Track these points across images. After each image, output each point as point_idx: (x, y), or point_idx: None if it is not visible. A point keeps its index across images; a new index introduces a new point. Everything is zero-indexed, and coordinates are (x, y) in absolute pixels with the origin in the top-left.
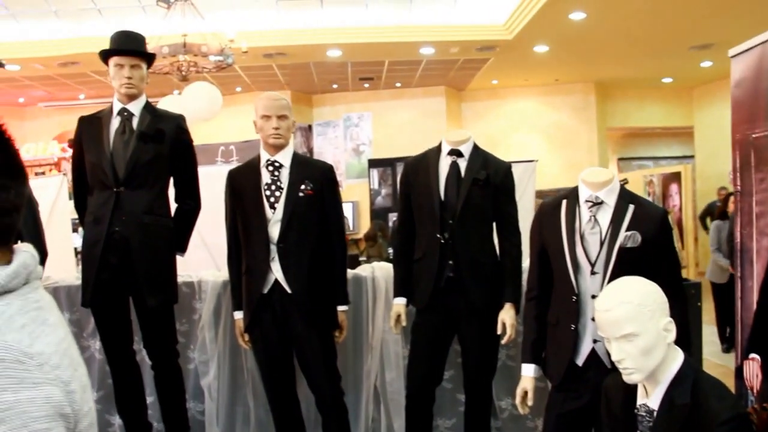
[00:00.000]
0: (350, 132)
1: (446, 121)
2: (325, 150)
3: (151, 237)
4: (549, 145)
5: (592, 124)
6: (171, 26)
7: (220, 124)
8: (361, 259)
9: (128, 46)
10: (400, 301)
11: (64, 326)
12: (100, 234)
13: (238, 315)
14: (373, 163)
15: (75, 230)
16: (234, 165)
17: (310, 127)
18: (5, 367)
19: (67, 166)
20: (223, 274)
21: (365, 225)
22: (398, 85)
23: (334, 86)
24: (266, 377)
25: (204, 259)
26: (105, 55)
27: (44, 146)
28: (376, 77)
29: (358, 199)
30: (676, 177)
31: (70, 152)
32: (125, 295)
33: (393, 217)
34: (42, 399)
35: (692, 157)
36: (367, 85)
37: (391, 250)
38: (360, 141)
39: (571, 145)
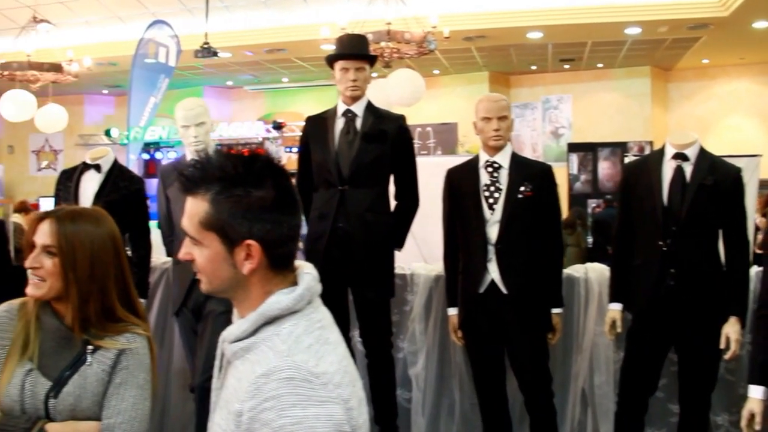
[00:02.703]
0: (549, 114)
1: (651, 103)
2: (522, 133)
3: (372, 233)
4: None
5: None
6: (374, 12)
7: (417, 106)
8: None
9: (353, 50)
10: (616, 307)
11: (342, 344)
12: (324, 229)
13: (453, 311)
14: (573, 147)
15: None
16: (439, 157)
17: None
18: (295, 385)
19: (270, 146)
20: (435, 268)
21: (562, 211)
22: (600, 65)
23: (533, 67)
24: (477, 374)
25: (411, 251)
26: (330, 60)
27: (250, 126)
28: (577, 58)
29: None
30: None
31: (273, 133)
32: (345, 287)
33: (592, 203)
34: (326, 416)
35: None
36: (567, 66)
37: (590, 239)
38: (559, 124)
39: None
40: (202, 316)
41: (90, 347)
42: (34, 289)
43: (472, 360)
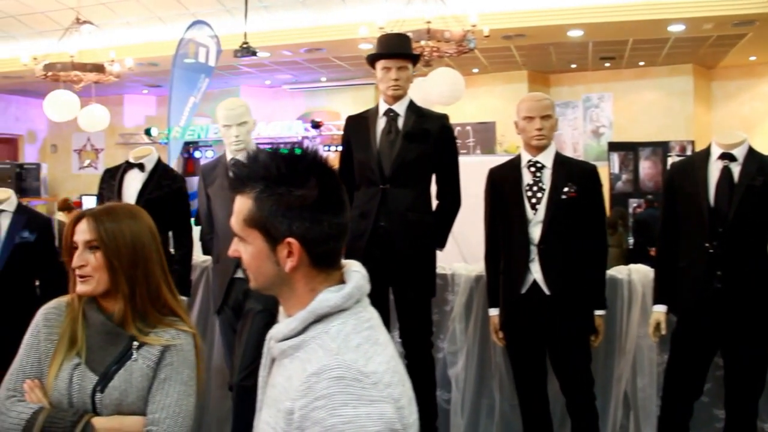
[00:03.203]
0: (590, 113)
1: (693, 101)
2: (563, 132)
3: (413, 233)
4: None
5: None
6: (413, 11)
7: (456, 105)
8: None
9: (395, 49)
10: (661, 309)
11: (391, 344)
12: (365, 228)
13: (494, 312)
14: (614, 146)
15: None
16: (479, 156)
17: None
18: (346, 384)
19: (308, 144)
20: (475, 268)
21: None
22: (641, 63)
23: (573, 66)
24: (518, 376)
25: (451, 251)
26: (372, 59)
27: (288, 125)
28: (618, 56)
29: None
30: None
31: (311, 131)
32: (386, 287)
33: (633, 203)
34: (377, 415)
35: None
36: (607, 65)
37: (631, 240)
38: (600, 123)
39: None
40: (242, 314)
41: (135, 343)
42: (82, 287)
43: (513, 361)
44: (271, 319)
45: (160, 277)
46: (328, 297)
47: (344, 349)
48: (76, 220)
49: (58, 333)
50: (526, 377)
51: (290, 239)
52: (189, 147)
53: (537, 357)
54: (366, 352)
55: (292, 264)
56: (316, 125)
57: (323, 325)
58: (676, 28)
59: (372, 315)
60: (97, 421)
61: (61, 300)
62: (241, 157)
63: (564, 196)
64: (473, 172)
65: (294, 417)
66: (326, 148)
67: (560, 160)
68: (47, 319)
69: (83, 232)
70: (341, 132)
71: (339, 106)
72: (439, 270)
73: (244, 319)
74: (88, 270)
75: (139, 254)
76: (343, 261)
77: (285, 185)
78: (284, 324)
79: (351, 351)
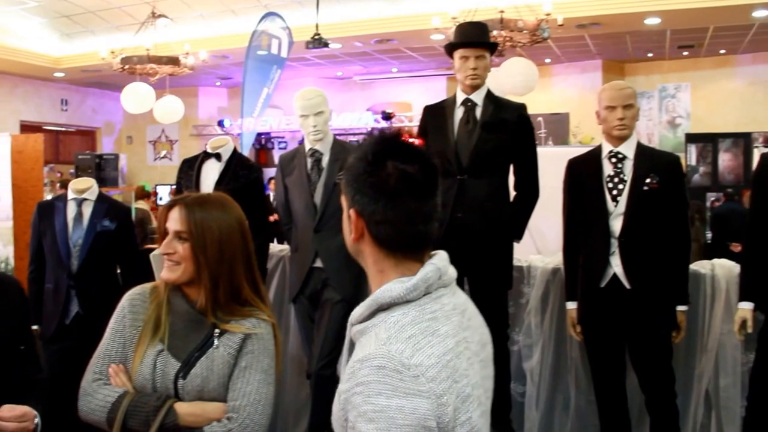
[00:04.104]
0: (666, 103)
1: None
2: (637, 122)
3: (490, 224)
4: None
5: None
6: (486, 0)
7: (528, 96)
8: None
9: (473, 38)
10: (747, 306)
11: (455, 336)
12: (443, 219)
13: (572, 305)
14: (691, 138)
15: None
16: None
17: None
18: (384, 374)
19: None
20: (552, 260)
21: None
22: (722, 52)
23: (649, 55)
24: (596, 371)
25: (525, 243)
26: (450, 48)
27: (358, 116)
28: (697, 44)
29: None
30: None
31: (382, 123)
32: (462, 277)
33: (711, 196)
34: (409, 409)
35: None
36: (685, 53)
37: (709, 235)
38: (676, 113)
39: None
40: (319, 303)
41: (217, 331)
42: (168, 273)
43: (590, 356)
44: (350, 310)
45: (243, 275)
46: (391, 288)
47: (394, 340)
48: (169, 207)
49: (143, 319)
50: (604, 372)
51: (352, 210)
52: (261, 138)
53: (616, 352)
54: (416, 343)
55: (355, 235)
56: (387, 116)
57: (385, 314)
58: (761, 14)
59: (442, 306)
60: (180, 407)
61: (146, 286)
62: (320, 147)
63: (646, 188)
64: (548, 164)
65: (341, 399)
66: None
67: (642, 150)
68: (132, 305)
69: (175, 221)
70: (412, 123)
71: (410, 97)
72: (515, 262)
73: (323, 308)
74: (176, 258)
75: (226, 251)
76: (433, 252)
77: (358, 157)
78: (357, 308)
79: (400, 342)
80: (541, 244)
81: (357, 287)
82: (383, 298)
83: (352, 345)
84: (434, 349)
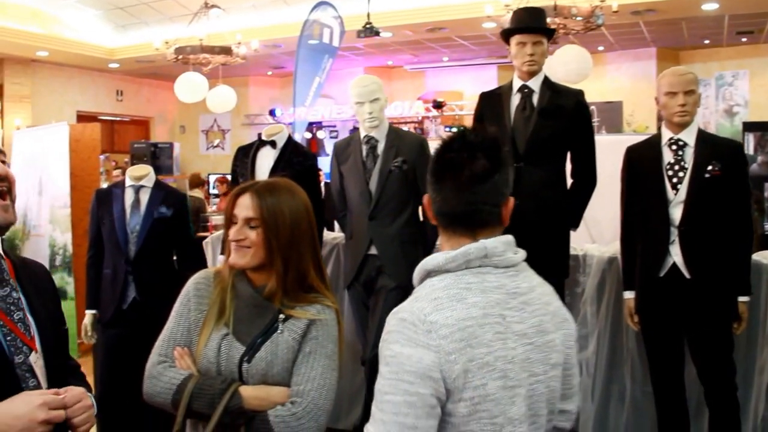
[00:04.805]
0: (722, 92)
1: None
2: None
3: (547, 212)
4: None
5: None
6: None
7: (581, 84)
8: None
9: (530, 23)
10: None
11: (485, 309)
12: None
13: (629, 295)
14: (749, 127)
15: None
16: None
17: None
18: (404, 325)
19: (429, 125)
20: (608, 249)
21: None
22: None
23: (706, 42)
24: (654, 362)
25: (580, 231)
26: (507, 34)
27: (409, 105)
28: (757, 30)
29: None
30: None
31: (433, 111)
32: None
33: None
34: (416, 358)
35: None
36: (744, 40)
37: (767, 226)
38: (734, 102)
39: None
40: (373, 290)
41: (282, 316)
42: (238, 258)
43: (648, 346)
44: (404, 296)
45: (310, 260)
46: (435, 256)
47: (422, 299)
48: (237, 195)
49: (208, 303)
50: (662, 363)
51: (426, 194)
52: (312, 127)
53: (674, 343)
54: (440, 305)
55: (429, 213)
56: (438, 105)
57: (429, 280)
58: None
59: (482, 280)
60: (245, 390)
61: (209, 271)
62: (375, 134)
63: (707, 175)
64: (603, 152)
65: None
66: (447, 128)
67: (704, 137)
68: (197, 289)
69: (245, 208)
70: (463, 112)
71: (461, 86)
72: (570, 251)
73: (377, 295)
74: (247, 243)
75: (296, 234)
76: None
77: (439, 149)
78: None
79: (426, 302)
80: (595, 233)
81: (411, 274)
82: (428, 265)
83: None
84: (455, 313)
